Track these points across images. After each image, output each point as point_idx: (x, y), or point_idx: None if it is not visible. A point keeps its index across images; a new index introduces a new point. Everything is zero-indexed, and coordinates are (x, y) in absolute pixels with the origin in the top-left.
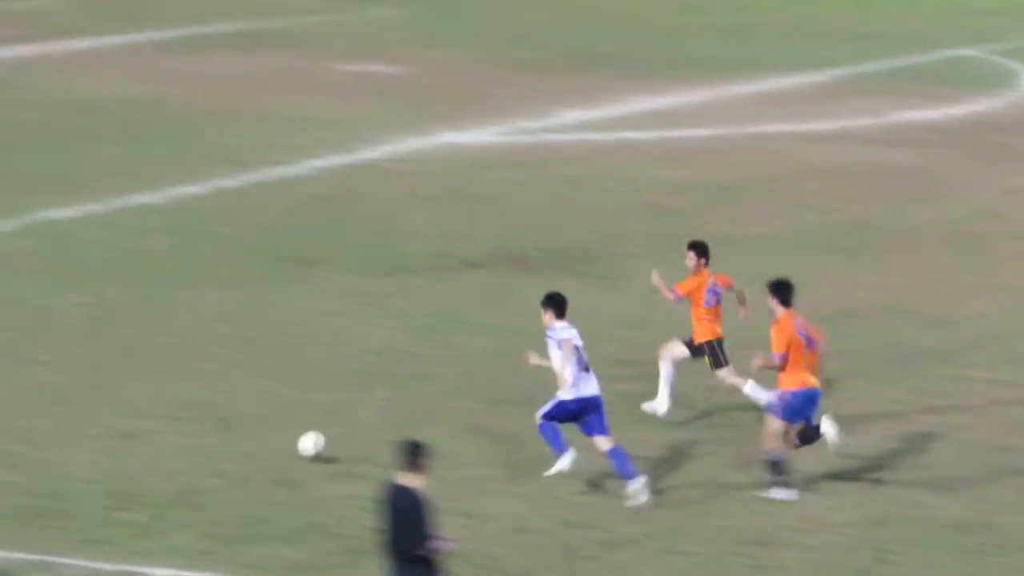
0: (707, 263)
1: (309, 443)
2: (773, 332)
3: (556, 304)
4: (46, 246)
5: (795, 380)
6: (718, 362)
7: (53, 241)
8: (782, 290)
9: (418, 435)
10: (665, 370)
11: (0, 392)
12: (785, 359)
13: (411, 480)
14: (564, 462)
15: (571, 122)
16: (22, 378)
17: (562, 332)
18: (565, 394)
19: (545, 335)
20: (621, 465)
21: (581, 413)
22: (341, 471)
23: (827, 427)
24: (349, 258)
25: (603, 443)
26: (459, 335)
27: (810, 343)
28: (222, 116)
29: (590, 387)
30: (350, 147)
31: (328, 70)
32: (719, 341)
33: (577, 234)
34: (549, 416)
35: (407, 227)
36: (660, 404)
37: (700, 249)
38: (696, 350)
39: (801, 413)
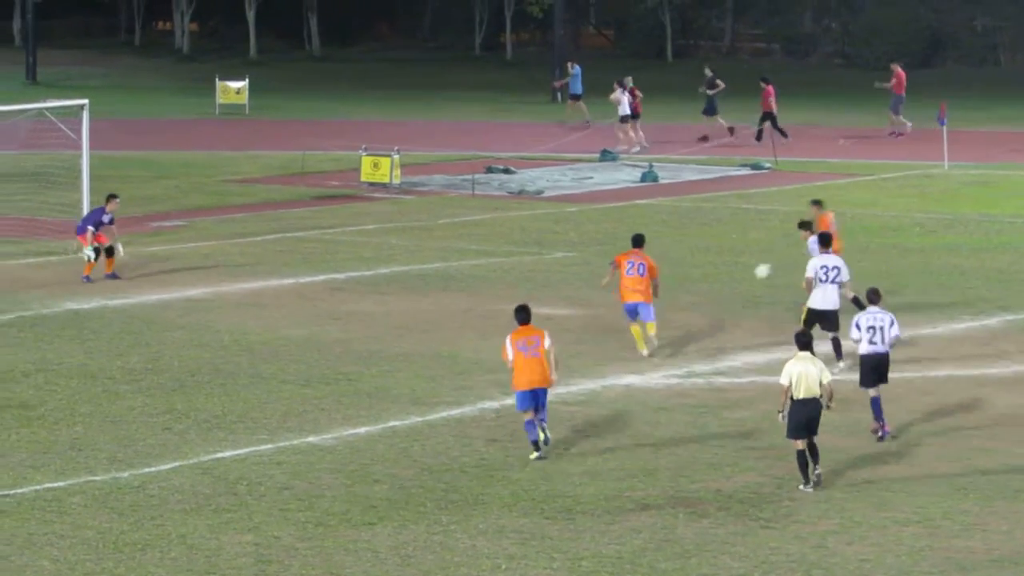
0: None
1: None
2: None
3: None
4: (216, 484)
5: None
6: None
7: (222, 479)
8: None
9: None
10: None
11: None
12: None
13: None
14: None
15: (741, 365)
16: None
17: None
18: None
19: None
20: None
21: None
22: None
23: None
24: (517, 500)
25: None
26: None
27: None
28: (396, 358)
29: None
30: None
31: (502, 312)
32: None
33: (745, 476)
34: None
35: (576, 468)
36: None
37: None
38: None
39: None
